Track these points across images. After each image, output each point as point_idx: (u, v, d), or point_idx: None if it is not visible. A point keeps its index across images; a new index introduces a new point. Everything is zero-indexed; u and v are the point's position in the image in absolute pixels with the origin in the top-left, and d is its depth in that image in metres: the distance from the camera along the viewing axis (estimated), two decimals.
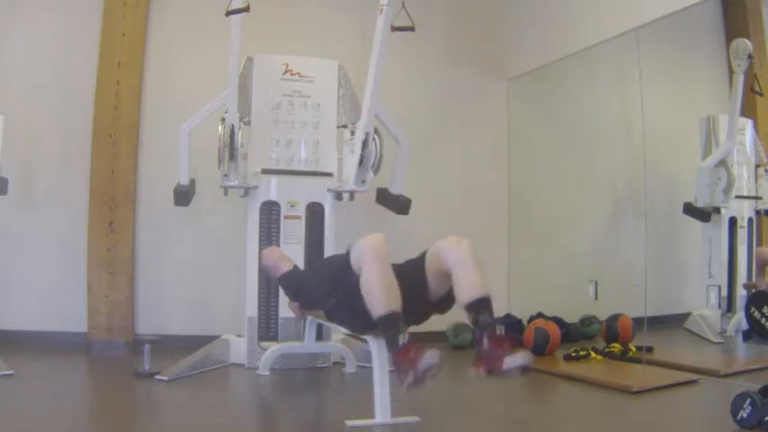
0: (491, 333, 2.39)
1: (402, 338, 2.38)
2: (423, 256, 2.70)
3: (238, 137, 3.74)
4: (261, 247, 3.89)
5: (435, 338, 4.63)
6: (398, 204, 4.10)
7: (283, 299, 3.70)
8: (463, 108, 5.23)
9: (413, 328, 2.81)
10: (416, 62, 4.98)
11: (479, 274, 2.49)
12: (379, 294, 2.43)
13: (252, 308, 3.89)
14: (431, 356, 2.31)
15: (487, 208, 5.22)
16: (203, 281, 4.52)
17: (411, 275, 2.63)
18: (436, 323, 4.61)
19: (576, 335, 4.67)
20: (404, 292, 2.51)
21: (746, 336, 3.97)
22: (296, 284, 3.29)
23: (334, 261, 3.10)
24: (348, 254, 2.81)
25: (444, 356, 2.41)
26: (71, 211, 4.33)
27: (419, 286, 2.63)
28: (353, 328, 2.91)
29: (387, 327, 2.41)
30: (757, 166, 4.38)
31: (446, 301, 2.67)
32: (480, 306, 2.43)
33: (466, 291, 2.47)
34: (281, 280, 3.40)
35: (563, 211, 5.07)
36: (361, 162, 3.84)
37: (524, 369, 2.33)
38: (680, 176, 4.64)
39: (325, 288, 2.87)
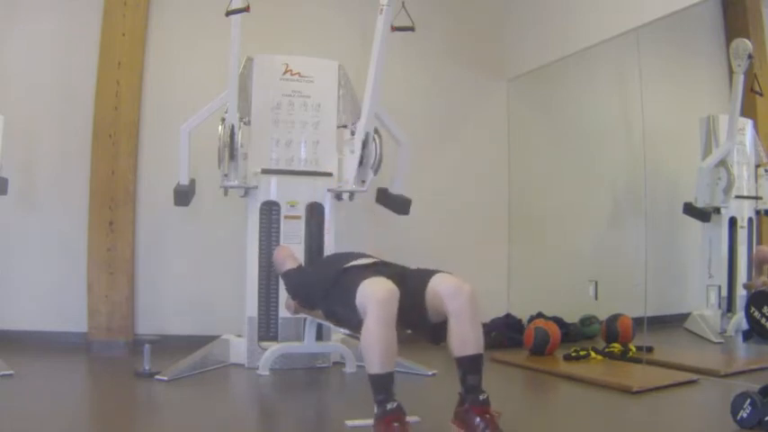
0: (474, 397, 2.37)
1: (391, 404, 2.32)
2: (423, 279, 2.60)
3: (238, 137, 3.74)
4: (261, 247, 3.91)
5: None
6: (398, 204, 4.10)
7: (283, 299, 3.70)
8: (463, 108, 5.23)
9: None
10: (416, 62, 4.99)
11: (474, 328, 2.44)
12: (377, 354, 2.36)
13: (252, 308, 3.89)
14: None
15: (487, 208, 5.23)
16: (203, 281, 4.52)
17: (414, 288, 2.57)
18: None
19: (576, 335, 4.67)
20: (404, 302, 2.47)
21: (746, 336, 3.95)
22: (296, 283, 3.31)
23: (333, 261, 3.11)
24: (350, 255, 2.80)
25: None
26: (71, 211, 4.33)
27: (418, 304, 2.58)
28: (351, 327, 2.91)
29: (377, 387, 2.36)
30: (757, 166, 4.38)
31: (440, 333, 2.60)
32: (470, 365, 2.41)
33: (458, 345, 2.43)
34: (283, 276, 3.45)
35: (563, 211, 5.07)
36: (361, 162, 3.84)
37: None
38: (680, 176, 4.64)
39: (324, 287, 2.87)
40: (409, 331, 2.66)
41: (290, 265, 3.42)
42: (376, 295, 2.43)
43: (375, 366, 2.36)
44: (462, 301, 2.45)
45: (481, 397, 2.38)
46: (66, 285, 4.31)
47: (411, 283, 2.59)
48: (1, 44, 4.30)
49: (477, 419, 2.32)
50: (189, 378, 3.53)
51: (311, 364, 3.90)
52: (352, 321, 2.59)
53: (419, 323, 2.63)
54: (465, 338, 2.43)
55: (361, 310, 2.47)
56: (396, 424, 2.29)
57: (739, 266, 4.29)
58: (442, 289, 2.52)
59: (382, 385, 2.36)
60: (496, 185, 5.26)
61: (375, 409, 2.37)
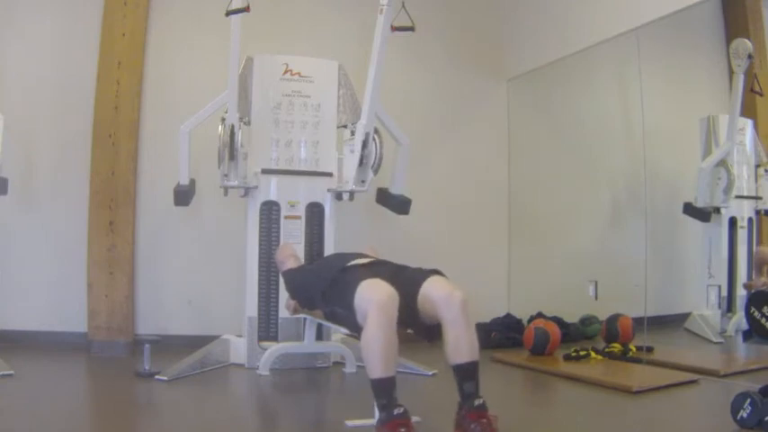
0: (470, 404, 2.38)
1: (398, 409, 2.31)
2: (422, 279, 2.60)
3: (238, 137, 3.74)
4: (261, 247, 3.91)
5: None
6: (398, 204, 4.10)
7: (283, 299, 3.70)
8: (463, 108, 5.23)
9: None
10: (416, 62, 4.98)
11: (468, 335, 2.45)
12: (378, 358, 2.35)
13: (252, 308, 3.90)
14: None
15: (487, 208, 5.23)
16: (203, 281, 4.52)
17: (406, 291, 2.56)
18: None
19: (575, 335, 4.67)
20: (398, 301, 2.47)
21: (746, 336, 3.96)
22: (296, 283, 3.31)
23: (332, 262, 3.10)
24: (348, 255, 2.80)
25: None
26: (71, 211, 4.32)
27: (411, 306, 2.57)
28: (351, 327, 2.91)
29: (380, 391, 2.35)
30: (757, 166, 4.38)
31: (433, 333, 2.60)
32: (465, 373, 2.42)
33: (452, 353, 2.44)
34: (283, 275, 3.46)
35: (563, 211, 5.07)
36: (361, 162, 3.84)
37: None
38: (680, 176, 4.64)
39: (321, 289, 2.86)
40: (410, 331, 2.66)
41: (290, 264, 3.43)
42: (375, 299, 2.41)
43: (377, 371, 2.35)
44: (455, 310, 2.45)
45: (476, 402, 2.38)
46: (66, 285, 4.30)
47: (404, 286, 2.59)
48: (1, 44, 4.30)
49: (473, 425, 2.34)
50: (189, 378, 3.53)
51: (311, 364, 3.90)
52: (351, 321, 2.59)
53: (412, 323, 2.63)
54: (459, 346, 2.44)
55: (361, 313, 2.46)
56: (402, 429, 2.28)
57: (739, 266, 4.29)
58: (434, 296, 2.52)
59: (385, 389, 2.35)
60: (496, 185, 5.26)
61: (378, 413, 2.36)
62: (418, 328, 2.65)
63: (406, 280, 2.65)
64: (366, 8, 3.92)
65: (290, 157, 4.00)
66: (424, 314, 2.58)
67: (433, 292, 2.53)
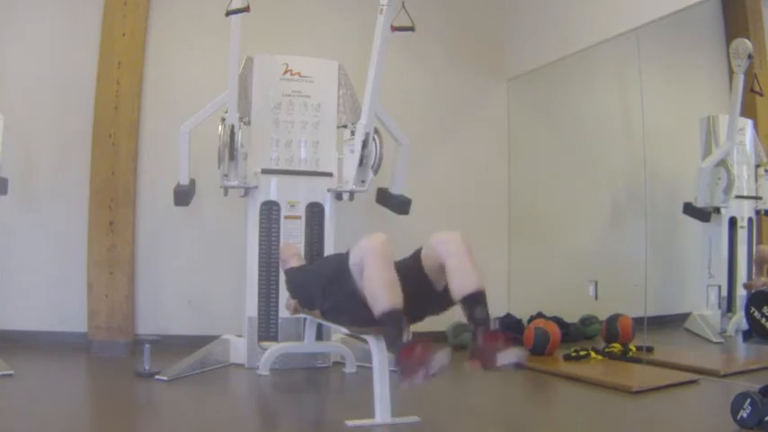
0: (485, 328, 2.37)
1: (405, 336, 2.33)
2: (417, 252, 2.66)
3: (238, 137, 3.74)
4: (261, 247, 3.92)
5: (435, 338, 4.64)
6: (398, 204, 4.10)
7: (283, 299, 3.71)
8: (463, 108, 5.23)
9: (412, 327, 2.81)
10: (416, 62, 4.98)
11: (472, 266, 2.47)
12: (382, 290, 2.38)
13: (252, 308, 3.90)
14: (443, 356, 2.23)
15: (487, 208, 5.23)
16: (203, 281, 4.52)
17: (408, 273, 2.59)
18: (436, 323, 4.63)
19: (575, 335, 4.67)
20: (406, 286, 2.48)
21: (746, 336, 3.96)
22: (296, 282, 3.32)
23: (332, 261, 3.12)
24: (347, 254, 2.81)
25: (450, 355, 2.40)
26: (71, 211, 4.32)
27: (419, 282, 2.60)
28: (348, 326, 2.91)
29: (389, 323, 2.35)
30: (757, 166, 4.38)
31: (446, 299, 2.62)
32: (474, 300, 2.42)
33: (459, 285, 2.45)
34: (286, 274, 3.48)
35: (563, 211, 5.07)
36: (361, 162, 3.84)
37: (518, 365, 2.32)
38: (680, 176, 4.64)
39: (321, 286, 2.87)
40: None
41: (293, 263, 3.45)
42: (369, 245, 2.48)
43: (383, 302, 2.36)
44: (455, 243, 2.50)
45: (492, 326, 2.39)
46: (66, 285, 4.30)
47: (407, 264, 2.61)
48: (1, 44, 4.30)
49: (499, 352, 2.31)
50: (189, 378, 3.54)
51: (311, 364, 3.90)
52: (353, 314, 2.59)
53: (427, 298, 2.64)
54: (464, 278, 2.46)
55: (357, 266, 2.49)
56: (418, 348, 2.27)
57: (739, 266, 4.29)
58: (434, 242, 2.56)
59: (393, 320, 2.35)
60: (496, 185, 5.26)
61: (388, 348, 2.36)
62: (433, 300, 2.65)
63: (407, 258, 2.68)
64: (366, 8, 3.92)
65: (290, 157, 4.00)
66: (433, 274, 2.60)
67: (432, 241, 2.57)
